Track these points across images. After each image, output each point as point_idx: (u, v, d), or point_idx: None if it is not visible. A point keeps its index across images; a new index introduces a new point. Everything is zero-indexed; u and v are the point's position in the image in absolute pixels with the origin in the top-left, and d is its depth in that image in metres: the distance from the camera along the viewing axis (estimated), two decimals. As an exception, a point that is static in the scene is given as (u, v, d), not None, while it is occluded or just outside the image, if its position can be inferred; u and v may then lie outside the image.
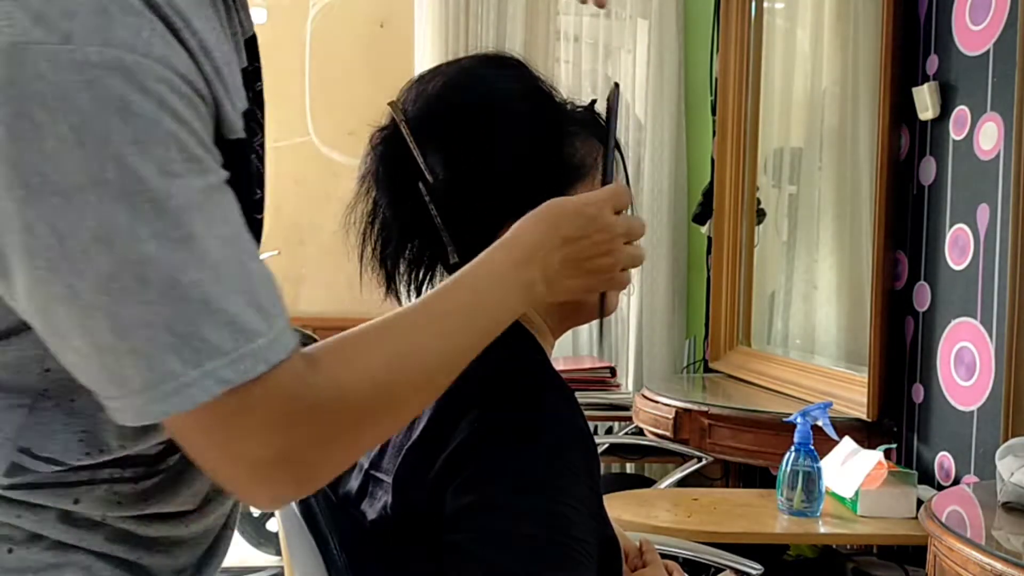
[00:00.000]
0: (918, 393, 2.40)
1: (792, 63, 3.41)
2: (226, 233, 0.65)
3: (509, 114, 0.96)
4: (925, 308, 2.39)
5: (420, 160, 0.94)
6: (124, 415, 0.65)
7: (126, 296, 0.61)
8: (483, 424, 0.86)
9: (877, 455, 2.11)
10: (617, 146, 1.04)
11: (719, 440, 2.61)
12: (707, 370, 3.42)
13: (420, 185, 0.95)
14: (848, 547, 2.49)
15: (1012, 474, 1.73)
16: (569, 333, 2.40)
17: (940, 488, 2.21)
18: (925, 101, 2.33)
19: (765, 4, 3.37)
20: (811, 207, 3.26)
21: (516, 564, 0.82)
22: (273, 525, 3.62)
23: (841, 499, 2.15)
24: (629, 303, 3.69)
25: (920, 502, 2.04)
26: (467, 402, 0.87)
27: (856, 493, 2.10)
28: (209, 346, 0.63)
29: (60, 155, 0.59)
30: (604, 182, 0.95)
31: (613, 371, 3.39)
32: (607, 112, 0.99)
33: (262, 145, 0.82)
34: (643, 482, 3.17)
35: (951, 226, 2.28)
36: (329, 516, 0.94)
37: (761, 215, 3.37)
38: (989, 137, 2.14)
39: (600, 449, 3.12)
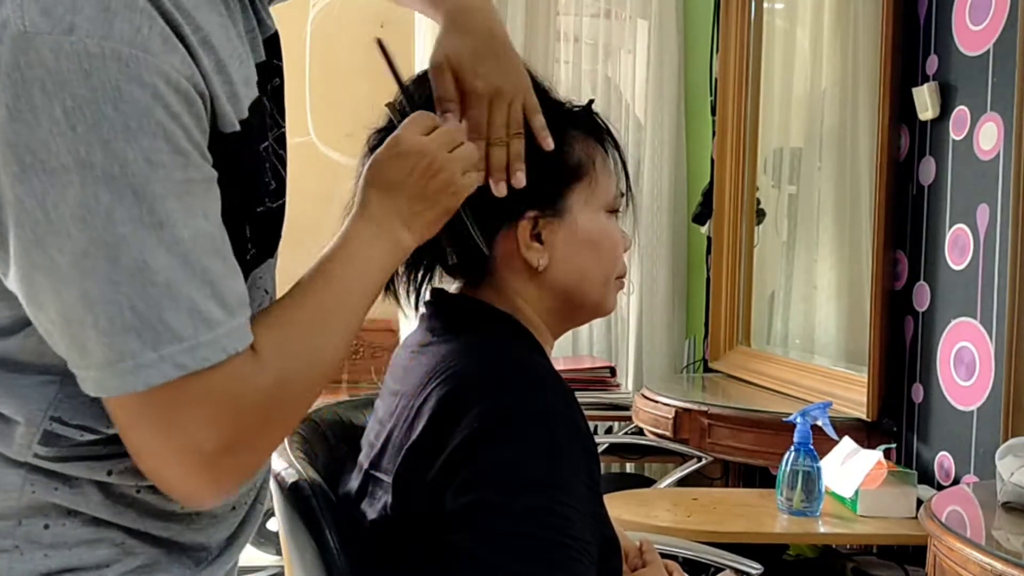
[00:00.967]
0: (918, 393, 2.40)
1: (792, 63, 3.41)
2: (201, 227, 0.68)
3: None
4: (925, 308, 2.39)
5: None
6: (86, 385, 0.68)
7: (96, 273, 0.65)
8: (483, 424, 0.86)
9: (877, 455, 2.11)
10: (616, 146, 1.05)
11: (719, 440, 2.61)
12: (707, 370, 3.43)
13: None
14: (848, 547, 2.50)
15: (1012, 474, 1.73)
16: (569, 333, 2.40)
17: (940, 488, 2.21)
18: (925, 101, 2.33)
19: (765, 4, 3.37)
20: (811, 207, 3.26)
21: (516, 564, 0.82)
22: (273, 525, 3.61)
23: (841, 499, 2.15)
24: (629, 303, 3.69)
25: (920, 502, 2.04)
26: (467, 402, 0.88)
27: (856, 493, 2.10)
28: (169, 330, 0.66)
29: (53, 136, 0.64)
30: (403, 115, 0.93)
31: (613, 371, 3.39)
32: (383, 52, 0.97)
33: (280, 138, 0.85)
34: (643, 482, 3.17)
35: (951, 226, 2.28)
36: (329, 516, 0.94)
37: (761, 215, 3.37)
38: (989, 137, 2.14)
39: (600, 449, 3.12)
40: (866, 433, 2.41)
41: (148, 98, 0.65)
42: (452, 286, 1.05)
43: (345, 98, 3.83)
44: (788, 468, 2.10)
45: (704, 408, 2.66)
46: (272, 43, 0.85)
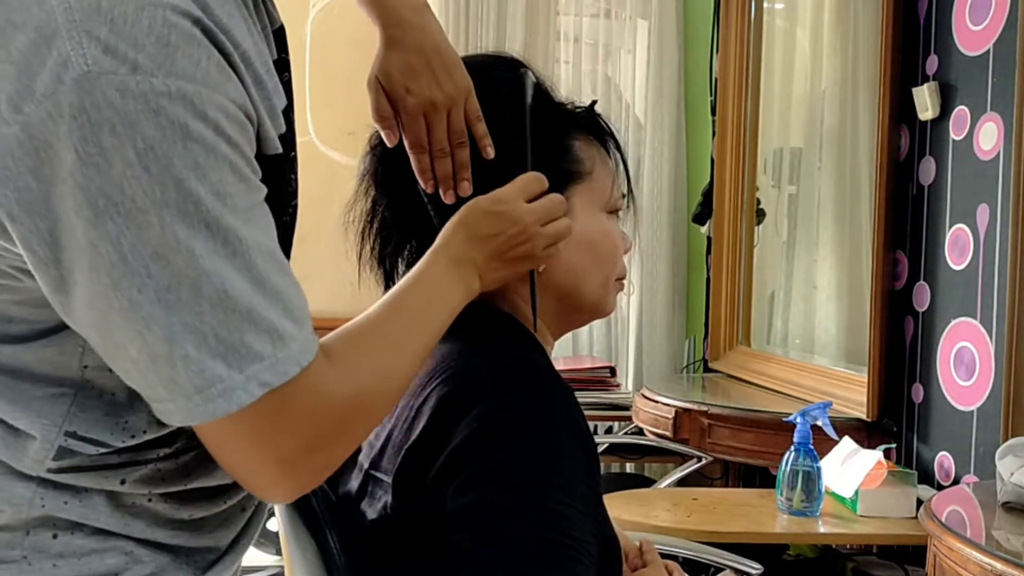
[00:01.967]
0: (918, 393, 2.40)
1: (792, 63, 3.41)
2: (267, 247, 0.70)
3: (506, 115, 0.97)
4: (925, 308, 2.39)
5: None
6: (172, 416, 0.69)
7: (180, 306, 0.66)
8: (483, 424, 0.86)
9: (877, 455, 2.11)
10: (617, 147, 1.05)
11: (719, 440, 2.61)
12: (707, 370, 3.43)
13: (419, 185, 0.96)
14: (848, 547, 2.50)
15: (1012, 474, 1.73)
16: (569, 333, 2.40)
17: (940, 488, 2.21)
18: (925, 101, 2.33)
19: (765, 4, 3.37)
20: (811, 207, 3.26)
21: (516, 564, 0.82)
22: (273, 525, 3.61)
23: (841, 499, 2.15)
24: (629, 303, 3.69)
25: (920, 502, 2.04)
26: (467, 402, 0.88)
27: (856, 493, 2.10)
28: (252, 352, 0.68)
29: (127, 179, 0.64)
30: (518, 171, 0.95)
31: (613, 371, 3.39)
32: (515, 94, 0.98)
33: (293, 142, 0.86)
34: (643, 482, 3.17)
35: (951, 226, 2.28)
36: (329, 516, 0.94)
37: (761, 215, 3.37)
38: (989, 137, 2.14)
39: (600, 449, 3.12)
40: (866, 433, 2.41)
41: (212, 133, 0.66)
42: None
43: (345, 98, 3.83)
44: (788, 468, 2.10)
45: (704, 408, 2.66)
46: (280, 36, 0.85)
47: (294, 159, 0.85)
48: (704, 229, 3.53)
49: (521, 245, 0.92)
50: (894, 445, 2.42)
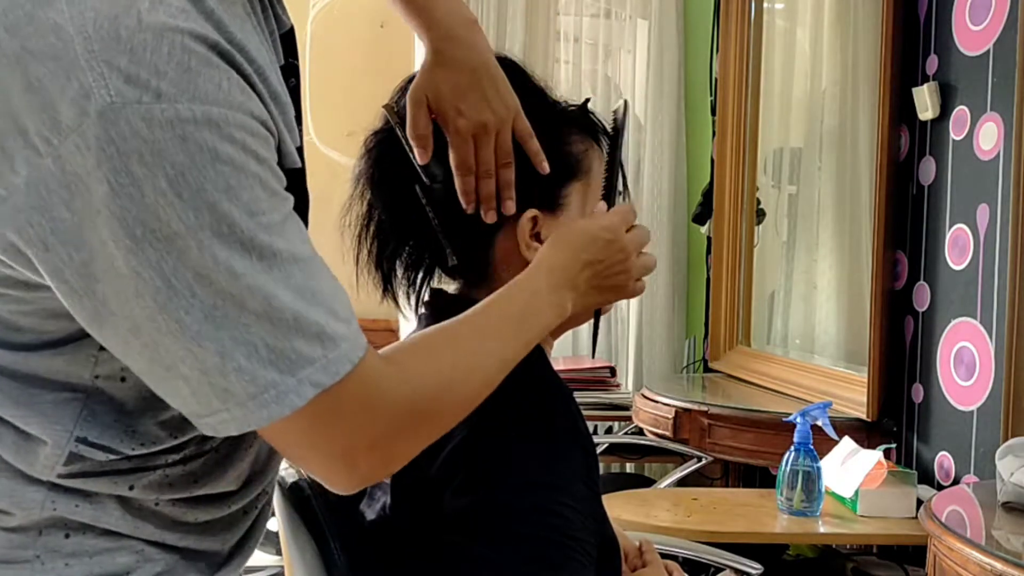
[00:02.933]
0: (918, 393, 2.40)
1: (792, 63, 3.41)
2: (304, 253, 0.71)
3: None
4: (925, 308, 2.39)
5: (417, 163, 0.94)
6: (228, 426, 0.70)
7: (228, 322, 0.67)
8: (481, 424, 0.86)
9: (877, 455, 2.11)
10: (611, 143, 1.04)
11: (719, 440, 2.61)
12: (707, 370, 3.42)
13: (417, 188, 0.95)
14: (848, 547, 2.50)
15: (1012, 474, 1.73)
16: (569, 333, 2.40)
17: (940, 488, 2.21)
18: (925, 101, 2.33)
19: (765, 4, 3.37)
20: (811, 207, 3.26)
21: (515, 564, 0.82)
22: (273, 525, 3.61)
23: (841, 499, 2.15)
24: (629, 303, 3.69)
25: (920, 502, 2.04)
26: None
27: (856, 493, 2.10)
28: (302, 356, 0.69)
29: (160, 206, 0.64)
30: (609, 199, 1.00)
31: (613, 371, 3.39)
32: (614, 130, 1.01)
33: (302, 152, 0.86)
34: (643, 482, 3.17)
35: (951, 226, 2.28)
36: (329, 516, 0.94)
37: (761, 215, 3.36)
38: (989, 137, 2.14)
39: (600, 449, 3.12)
40: (866, 433, 2.41)
41: (240, 153, 0.66)
42: (451, 287, 1.04)
43: (345, 98, 3.84)
44: (788, 468, 2.10)
45: (704, 408, 2.66)
46: (288, 40, 0.84)
47: (304, 169, 0.86)
48: (704, 229, 3.53)
49: (619, 275, 0.95)
50: (894, 445, 2.42)
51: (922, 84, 2.35)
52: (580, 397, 1.00)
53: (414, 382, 0.77)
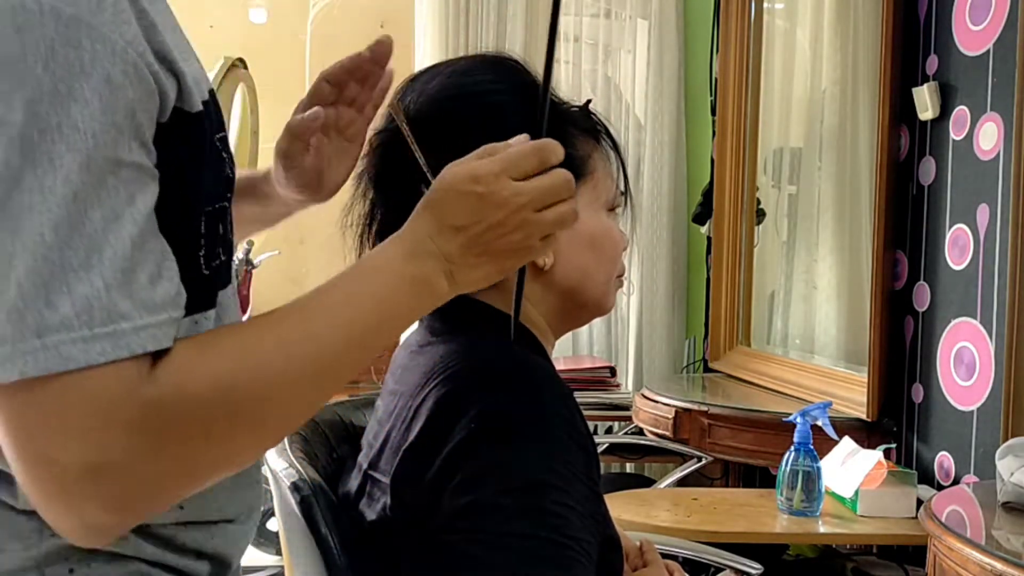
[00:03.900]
0: (918, 393, 2.40)
1: (792, 63, 3.41)
2: (121, 211, 0.61)
3: (507, 115, 0.97)
4: (925, 308, 2.39)
5: (422, 161, 0.94)
6: None
7: None
8: (481, 424, 0.86)
9: (877, 455, 2.11)
10: (614, 143, 1.05)
11: (719, 440, 2.61)
12: (707, 370, 3.42)
13: (423, 188, 0.95)
14: (848, 547, 2.50)
15: (1012, 474, 1.73)
16: (569, 333, 2.40)
17: (940, 488, 2.21)
18: (925, 101, 2.33)
19: (765, 4, 3.37)
20: (811, 207, 3.26)
21: (515, 564, 0.82)
22: (273, 525, 3.62)
23: (841, 499, 2.15)
24: (629, 303, 3.69)
25: (920, 502, 2.04)
26: (465, 402, 0.87)
27: (856, 493, 2.10)
28: (59, 316, 0.58)
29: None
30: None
31: (613, 371, 3.39)
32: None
33: (225, 139, 0.80)
34: (643, 482, 3.17)
35: (951, 226, 2.28)
36: (329, 516, 0.94)
37: (761, 215, 3.36)
38: (989, 137, 2.14)
39: (600, 449, 3.12)
40: (866, 433, 2.41)
41: (86, 63, 0.60)
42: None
43: (345, 98, 3.83)
44: (788, 468, 2.10)
45: (704, 408, 2.66)
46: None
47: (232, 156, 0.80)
48: (704, 229, 3.53)
49: (509, 235, 0.75)
50: (894, 445, 2.42)
51: (922, 84, 2.35)
52: (580, 397, 1.00)
53: (181, 392, 0.62)
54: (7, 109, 0.59)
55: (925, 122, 2.37)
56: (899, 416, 2.46)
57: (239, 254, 3.13)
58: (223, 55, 2.72)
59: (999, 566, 1.44)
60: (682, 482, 2.75)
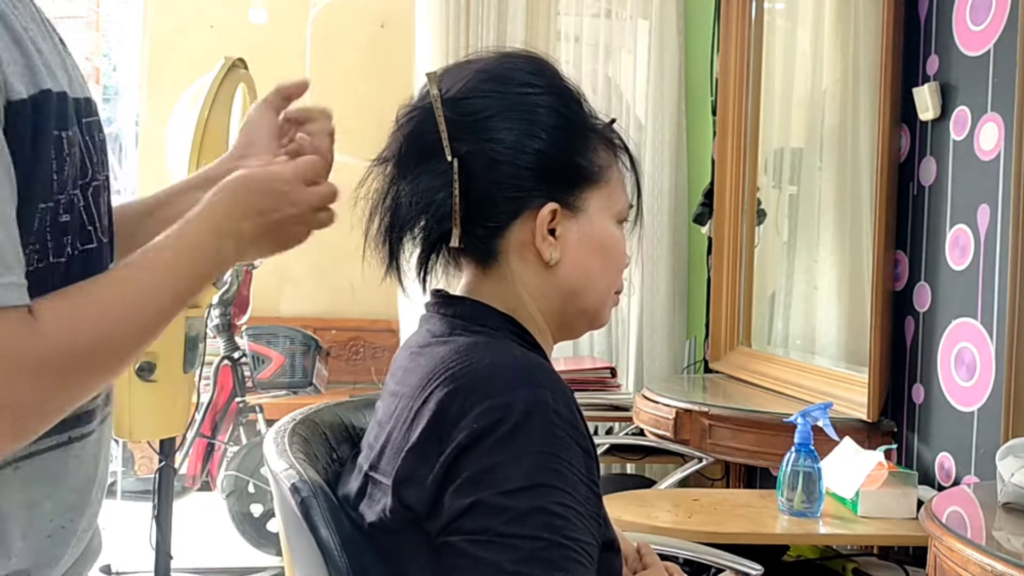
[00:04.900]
0: (918, 393, 2.40)
1: (792, 63, 3.40)
2: None
3: (545, 107, 0.99)
4: (925, 308, 2.39)
5: (445, 136, 0.96)
6: None
7: None
8: (482, 425, 0.86)
9: (877, 456, 2.11)
10: (632, 161, 1.07)
11: (719, 440, 2.61)
12: (707, 370, 3.42)
13: (453, 160, 0.96)
14: (848, 548, 2.49)
15: (1012, 475, 1.73)
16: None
17: (940, 489, 2.21)
18: (925, 101, 2.33)
19: (765, 4, 3.36)
20: (811, 207, 3.26)
21: (515, 565, 0.82)
22: (273, 525, 3.62)
23: (841, 500, 2.15)
24: (629, 303, 3.69)
25: (920, 503, 2.04)
26: (466, 403, 0.88)
27: (856, 494, 2.10)
28: None
29: None
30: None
31: (613, 371, 3.39)
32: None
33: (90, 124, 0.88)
34: (643, 482, 3.17)
35: (951, 226, 2.28)
36: (329, 516, 0.94)
37: (761, 215, 3.36)
38: (989, 137, 2.14)
39: (600, 449, 3.12)
40: (867, 434, 2.41)
41: None
42: (457, 287, 1.05)
43: (345, 98, 3.84)
44: (789, 469, 2.10)
45: (705, 409, 2.66)
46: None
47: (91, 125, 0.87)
48: (705, 229, 3.53)
49: (295, 226, 0.93)
50: (895, 446, 2.42)
51: (923, 84, 2.35)
52: (581, 397, 1.00)
53: (61, 343, 0.77)
54: None
55: (926, 122, 2.37)
56: (900, 417, 2.46)
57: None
58: (223, 55, 2.72)
59: (1000, 567, 1.44)
60: (683, 483, 2.75)
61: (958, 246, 2.25)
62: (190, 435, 3.68)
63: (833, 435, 2.14)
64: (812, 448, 2.09)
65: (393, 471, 0.91)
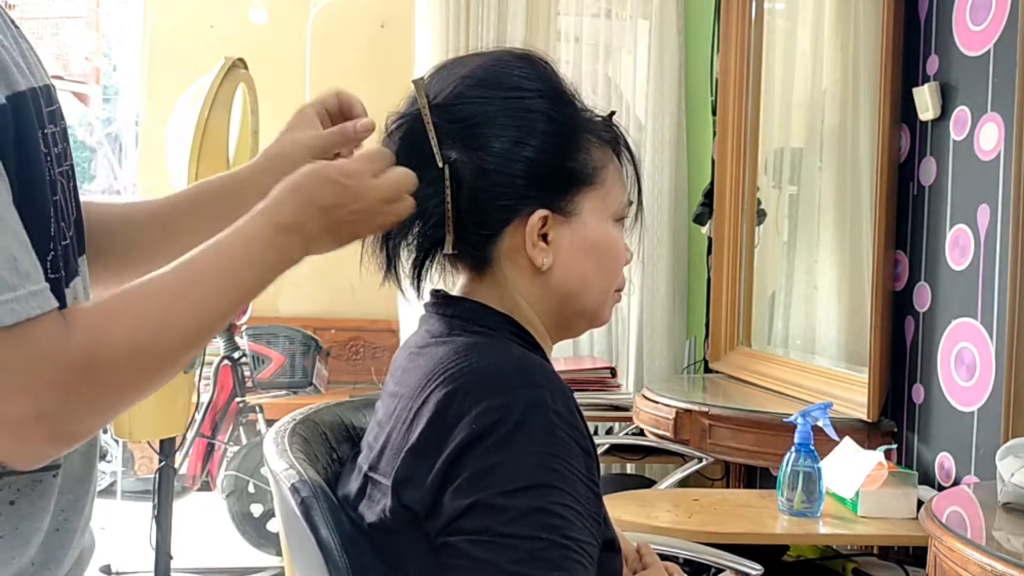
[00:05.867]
0: (918, 393, 2.40)
1: (792, 63, 3.40)
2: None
3: (534, 112, 0.98)
4: (925, 308, 2.39)
5: (435, 144, 0.95)
6: None
7: None
8: (482, 425, 0.86)
9: (877, 456, 2.11)
10: (631, 157, 1.05)
11: (719, 440, 2.61)
12: (707, 370, 3.42)
13: (445, 166, 0.96)
14: (848, 548, 2.49)
15: (1012, 475, 1.73)
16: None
17: (940, 489, 2.21)
18: (925, 101, 2.33)
19: (765, 4, 3.36)
20: (811, 207, 3.26)
21: (515, 565, 0.82)
22: (273, 525, 3.62)
23: (841, 500, 2.15)
24: (630, 303, 3.69)
25: (920, 503, 2.04)
26: (466, 403, 0.88)
27: (856, 494, 2.10)
28: None
29: None
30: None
31: (613, 371, 3.39)
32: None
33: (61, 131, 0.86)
34: (643, 482, 3.17)
35: (951, 226, 2.28)
36: (329, 516, 0.94)
37: (761, 215, 3.36)
38: (989, 137, 2.14)
39: (600, 449, 3.12)
40: (867, 434, 2.41)
41: None
42: (455, 288, 1.05)
43: (345, 98, 3.83)
44: (789, 469, 2.10)
45: (705, 409, 2.66)
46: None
47: (55, 135, 0.85)
48: (705, 229, 3.53)
49: (365, 222, 0.91)
50: (895, 446, 2.42)
51: (923, 84, 2.35)
52: (581, 397, 1.00)
53: (99, 348, 0.74)
54: None
55: (926, 122, 2.37)
56: (900, 417, 2.46)
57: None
58: (223, 55, 2.72)
59: (1000, 567, 1.44)
60: (683, 483, 2.75)
61: (958, 246, 2.25)
62: (190, 435, 3.68)
63: (833, 435, 2.14)
64: (812, 448, 2.09)
65: (393, 471, 0.91)
